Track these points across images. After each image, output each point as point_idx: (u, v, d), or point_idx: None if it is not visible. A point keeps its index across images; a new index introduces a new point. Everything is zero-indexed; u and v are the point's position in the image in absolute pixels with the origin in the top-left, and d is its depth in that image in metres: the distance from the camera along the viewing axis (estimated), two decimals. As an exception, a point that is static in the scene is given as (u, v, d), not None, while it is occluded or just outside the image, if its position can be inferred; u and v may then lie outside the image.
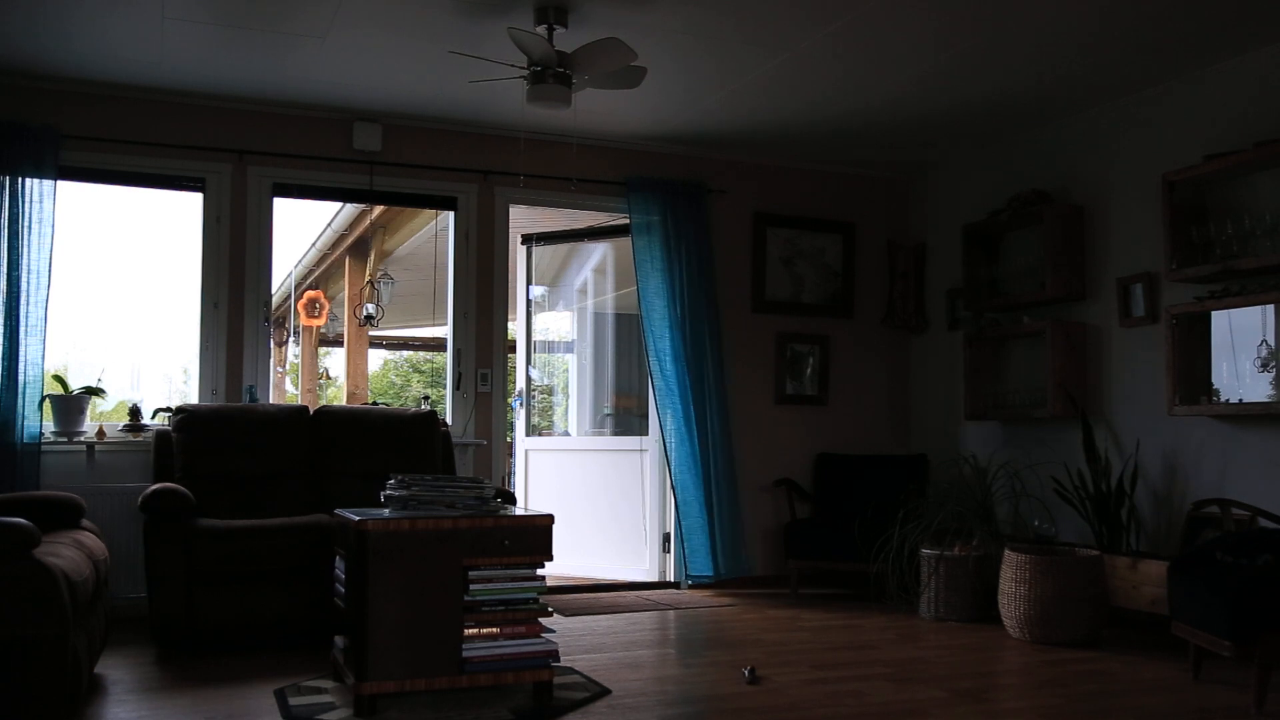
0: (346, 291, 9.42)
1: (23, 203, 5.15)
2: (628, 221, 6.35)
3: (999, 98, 5.56)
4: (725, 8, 4.45)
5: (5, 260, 5.11)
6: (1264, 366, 4.64)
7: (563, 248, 7.31)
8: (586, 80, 4.59)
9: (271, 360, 6.24)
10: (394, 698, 3.52)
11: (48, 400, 5.25)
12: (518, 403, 7.21)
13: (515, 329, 7.31)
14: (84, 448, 5.35)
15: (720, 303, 6.53)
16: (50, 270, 5.19)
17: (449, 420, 6.06)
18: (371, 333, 10.09)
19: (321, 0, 4.42)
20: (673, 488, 6.26)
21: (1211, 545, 4.21)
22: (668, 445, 6.23)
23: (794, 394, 6.78)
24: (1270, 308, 4.61)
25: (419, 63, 5.11)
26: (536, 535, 3.61)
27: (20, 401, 5.07)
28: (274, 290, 6.10)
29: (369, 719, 3.38)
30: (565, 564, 6.51)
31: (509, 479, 7.04)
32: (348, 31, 4.74)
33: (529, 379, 7.20)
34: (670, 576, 6.43)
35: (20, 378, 5.08)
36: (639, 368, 6.90)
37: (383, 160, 5.95)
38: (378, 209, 7.71)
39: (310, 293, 9.61)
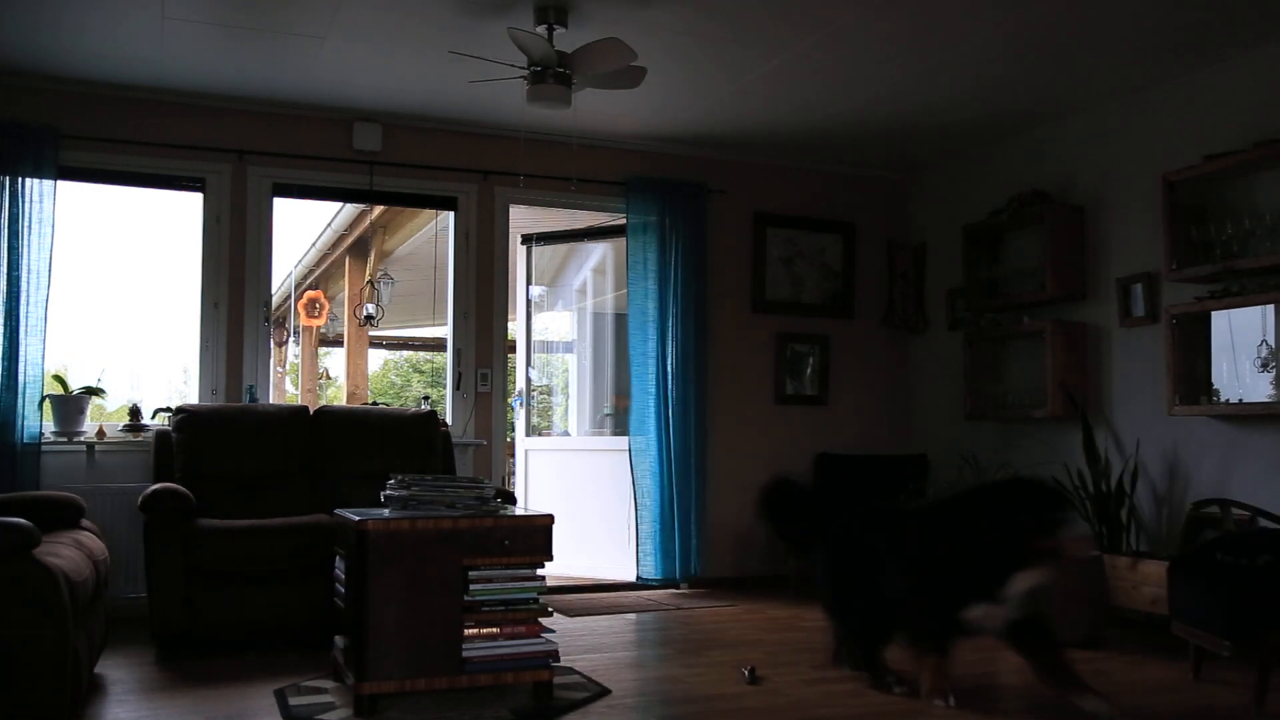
0: (346, 291, 9.42)
1: (23, 203, 5.15)
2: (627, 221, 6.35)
3: (999, 97, 5.56)
4: (725, 8, 4.45)
5: (5, 260, 5.11)
6: (1264, 366, 4.64)
7: (562, 248, 7.31)
8: (586, 80, 4.59)
9: (271, 360, 6.24)
10: (394, 698, 3.51)
11: (48, 400, 5.25)
12: (518, 403, 7.21)
13: (515, 329, 7.31)
14: (84, 448, 5.35)
15: (719, 303, 6.54)
16: (50, 270, 5.19)
17: (449, 420, 6.06)
18: (371, 333, 10.08)
19: (321, 1, 4.43)
20: (633, 488, 6.30)
21: (1211, 545, 4.20)
22: (632, 450, 6.25)
23: (794, 394, 6.78)
24: (1270, 308, 4.61)
25: (419, 63, 5.11)
26: (536, 535, 3.61)
27: (20, 401, 5.07)
28: (274, 290, 6.10)
29: (369, 719, 3.38)
30: (565, 564, 6.50)
31: (509, 479, 7.04)
32: (348, 32, 4.74)
33: (529, 379, 7.19)
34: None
35: (20, 378, 5.08)
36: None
37: (383, 160, 5.95)
38: (378, 209, 7.71)
39: (310, 293, 9.61)
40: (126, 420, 5.51)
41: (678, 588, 6.29)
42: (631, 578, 6.49)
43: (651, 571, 6.23)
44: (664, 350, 6.27)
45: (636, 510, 6.26)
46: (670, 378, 6.27)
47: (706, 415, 6.42)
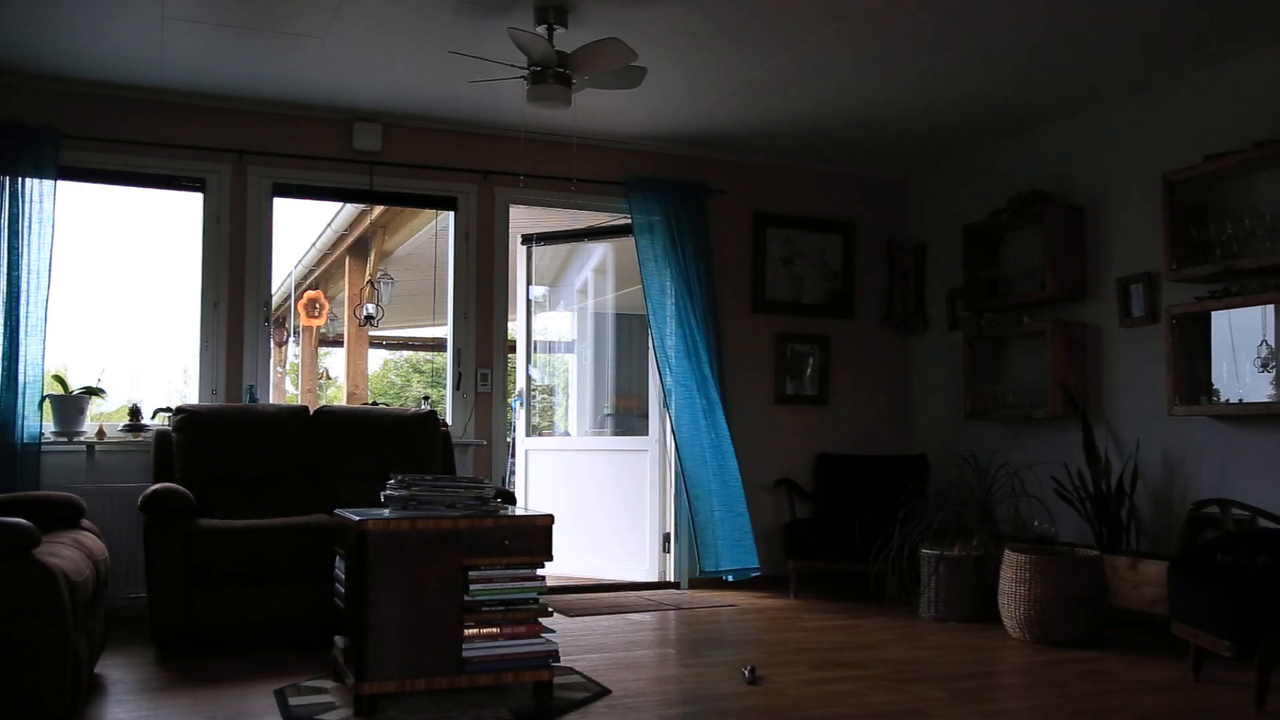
0: (346, 291, 9.42)
1: (23, 203, 5.15)
2: (628, 221, 6.35)
3: (999, 97, 5.56)
4: (725, 8, 4.45)
5: (5, 260, 5.10)
6: (1264, 366, 4.64)
7: (563, 248, 7.31)
8: (586, 80, 4.59)
9: (271, 360, 6.24)
10: (394, 698, 3.52)
11: (48, 400, 5.25)
12: (518, 403, 7.21)
13: (515, 329, 7.31)
14: (84, 448, 5.35)
15: (720, 303, 6.53)
16: (50, 270, 5.19)
17: (449, 420, 6.05)
18: (371, 333, 10.09)
19: (322, 0, 4.43)
20: (685, 487, 6.21)
21: (1211, 545, 4.21)
22: (680, 443, 6.20)
23: (794, 394, 6.78)
24: (1270, 308, 4.61)
25: (419, 63, 5.11)
26: (536, 535, 3.61)
27: (20, 401, 5.07)
28: (274, 290, 6.10)
29: (369, 719, 3.38)
30: (566, 564, 6.50)
31: (509, 479, 7.04)
32: (348, 32, 4.74)
33: (529, 379, 7.20)
34: (670, 576, 6.43)
35: (20, 378, 5.08)
36: (640, 368, 6.90)
37: (383, 160, 5.95)
38: (378, 209, 7.71)
39: (310, 293, 9.62)
40: (126, 420, 5.51)
41: (678, 588, 6.29)
42: (633, 578, 6.49)
43: (686, 571, 6.21)
44: (686, 347, 6.27)
45: (691, 504, 6.20)
46: (695, 374, 6.25)
47: (731, 414, 6.41)
